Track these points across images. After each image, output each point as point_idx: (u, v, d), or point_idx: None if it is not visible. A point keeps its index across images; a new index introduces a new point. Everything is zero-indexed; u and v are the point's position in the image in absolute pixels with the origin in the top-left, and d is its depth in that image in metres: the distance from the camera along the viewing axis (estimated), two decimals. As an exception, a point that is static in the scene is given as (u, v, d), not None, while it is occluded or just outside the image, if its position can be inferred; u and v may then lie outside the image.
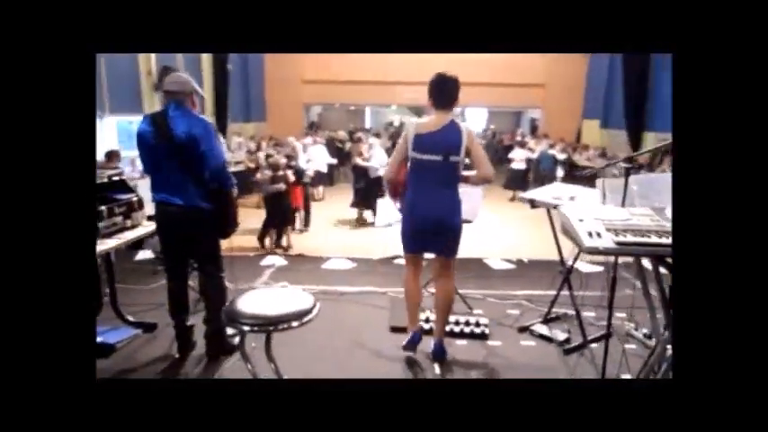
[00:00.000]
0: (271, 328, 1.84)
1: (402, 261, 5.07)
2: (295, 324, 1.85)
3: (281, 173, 5.66)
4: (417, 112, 23.68)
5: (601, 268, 4.90)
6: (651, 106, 13.28)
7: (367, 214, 7.60)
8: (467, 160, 2.78)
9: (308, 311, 1.91)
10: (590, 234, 1.86)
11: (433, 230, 2.80)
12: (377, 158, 7.30)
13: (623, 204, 2.35)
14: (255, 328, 1.85)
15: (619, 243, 1.80)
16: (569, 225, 1.98)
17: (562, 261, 3.36)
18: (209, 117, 11.93)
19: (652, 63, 12.97)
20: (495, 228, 7.29)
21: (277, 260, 5.05)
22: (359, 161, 7.42)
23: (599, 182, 2.75)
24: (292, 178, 5.82)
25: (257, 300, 1.96)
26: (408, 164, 2.82)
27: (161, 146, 2.65)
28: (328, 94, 17.02)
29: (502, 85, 17.22)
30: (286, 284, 4.27)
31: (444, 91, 2.73)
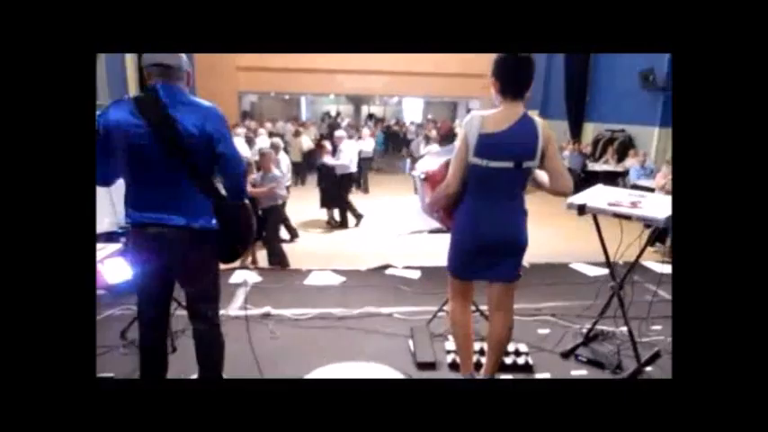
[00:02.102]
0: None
1: (396, 272, 4.58)
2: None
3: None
4: (356, 101, 23.00)
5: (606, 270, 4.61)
6: (590, 98, 13.60)
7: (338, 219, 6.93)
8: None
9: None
10: None
11: (499, 251, 2.24)
12: (346, 155, 6.63)
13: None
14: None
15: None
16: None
17: (613, 274, 2.94)
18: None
19: (591, 56, 13.25)
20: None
21: (249, 276, 4.28)
22: (327, 160, 6.72)
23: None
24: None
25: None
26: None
27: (157, 146, 1.88)
28: (264, 82, 15.96)
29: (443, 75, 16.99)
30: (269, 310, 3.55)
31: (518, 74, 2.11)
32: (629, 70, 11.47)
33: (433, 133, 12.23)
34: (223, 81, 15.09)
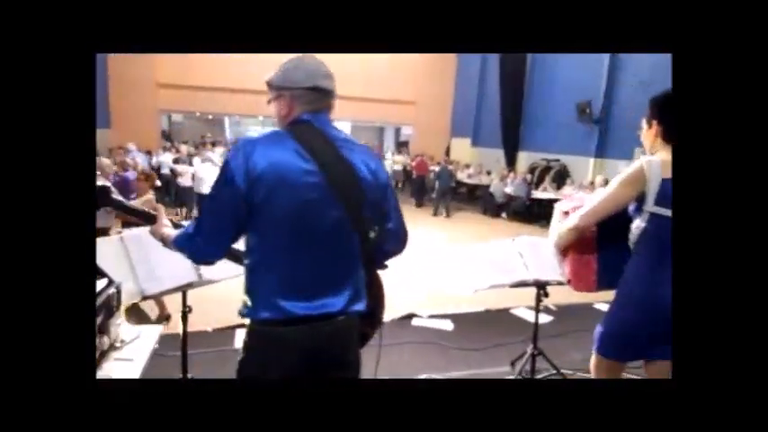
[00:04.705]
0: None
1: (424, 322, 4.01)
2: None
3: None
4: (286, 124, 22.07)
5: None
6: (524, 127, 14.14)
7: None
8: None
9: None
10: None
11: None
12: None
13: None
14: None
15: None
16: None
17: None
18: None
19: (526, 86, 13.82)
20: (451, 252, 6.47)
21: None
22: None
23: None
24: None
25: None
26: (635, 224, 1.84)
27: (334, 201, 1.33)
28: (188, 101, 14.72)
29: (373, 101, 16.85)
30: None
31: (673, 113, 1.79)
32: (564, 102, 12.07)
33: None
34: (142, 98, 13.68)
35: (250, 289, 1.37)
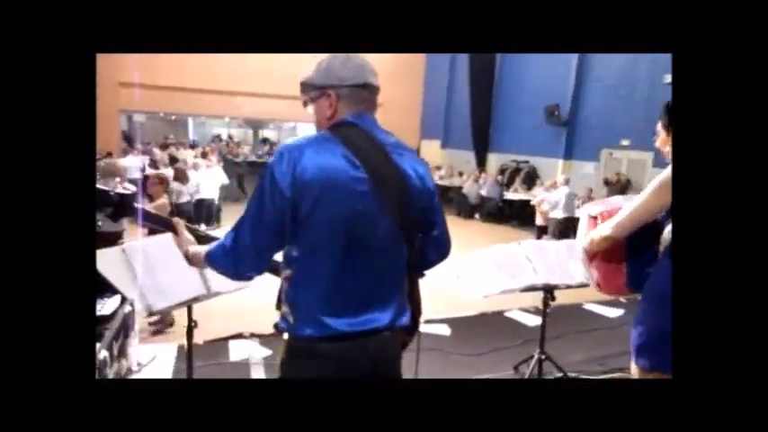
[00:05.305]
0: None
1: (422, 327, 3.82)
2: None
3: None
4: (253, 125, 21.60)
5: (621, 311, 4.52)
6: (494, 129, 14.32)
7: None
8: None
9: None
10: None
11: None
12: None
13: None
14: None
15: None
16: None
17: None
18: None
19: (494, 89, 14.00)
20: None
21: (253, 349, 3.38)
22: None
23: None
24: None
25: None
26: (669, 228, 1.83)
27: (384, 210, 1.25)
28: (152, 101, 14.17)
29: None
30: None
31: None
32: (532, 104, 12.28)
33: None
34: (103, 98, 13.03)
35: (291, 302, 1.28)
